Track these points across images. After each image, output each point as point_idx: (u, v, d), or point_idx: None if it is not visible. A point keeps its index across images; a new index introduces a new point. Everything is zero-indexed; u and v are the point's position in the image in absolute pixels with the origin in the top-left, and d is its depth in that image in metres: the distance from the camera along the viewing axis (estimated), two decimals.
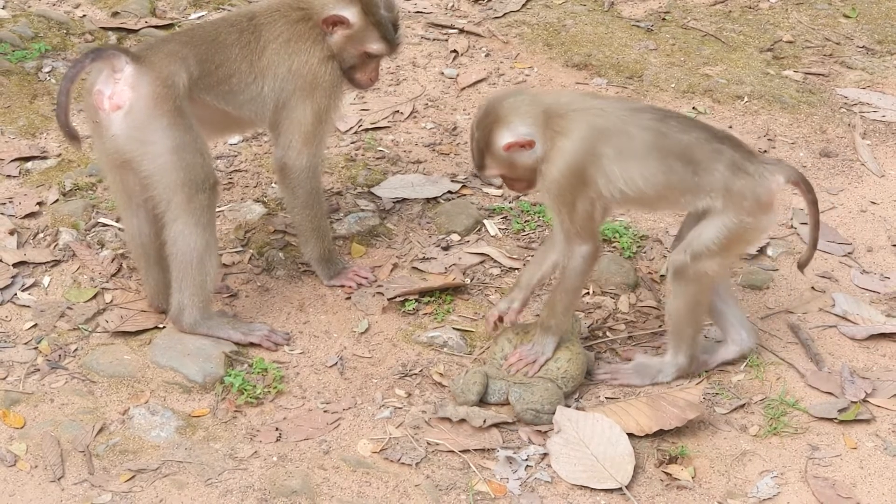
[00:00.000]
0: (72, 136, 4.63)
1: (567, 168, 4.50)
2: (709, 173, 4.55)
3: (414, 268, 5.32)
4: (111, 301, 5.09)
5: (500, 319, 4.87)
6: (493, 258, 5.37)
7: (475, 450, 4.54)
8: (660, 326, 5.08)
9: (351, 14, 4.88)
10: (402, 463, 4.49)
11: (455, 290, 5.20)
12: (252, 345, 4.90)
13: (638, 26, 7.00)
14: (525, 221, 5.55)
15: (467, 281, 5.24)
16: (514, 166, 4.60)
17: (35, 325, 4.97)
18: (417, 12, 7.04)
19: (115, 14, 6.74)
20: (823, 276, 5.33)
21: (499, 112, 4.56)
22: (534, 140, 4.51)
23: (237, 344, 4.88)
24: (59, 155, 5.80)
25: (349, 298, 5.16)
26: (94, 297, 5.10)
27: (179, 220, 4.72)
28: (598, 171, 4.51)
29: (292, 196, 5.04)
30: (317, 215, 5.07)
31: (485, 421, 4.59)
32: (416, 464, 4.48)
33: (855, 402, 4.71)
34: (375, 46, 4.96)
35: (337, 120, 5.11)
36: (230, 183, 5.73)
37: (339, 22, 4.88)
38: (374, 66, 5.06)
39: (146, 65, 4.61)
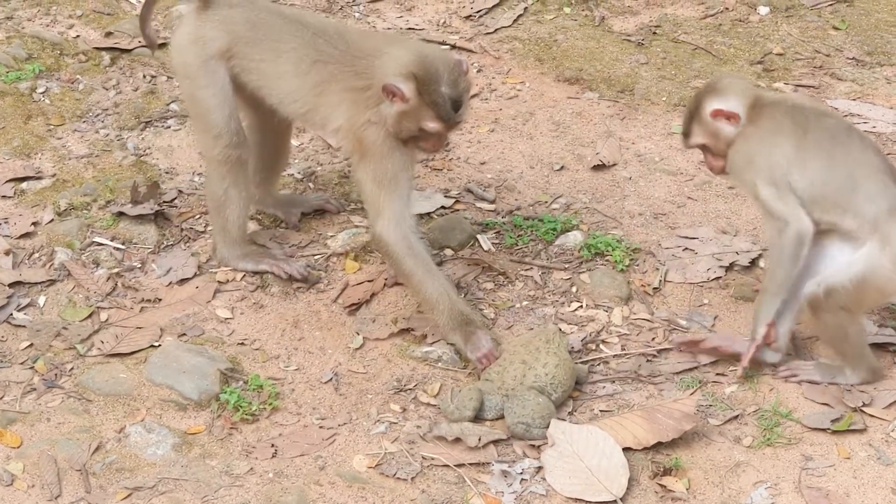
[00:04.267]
0: (150, 41, 5.52)
1: (750, 154, 4.74)
2: (866, 200, 4.63)
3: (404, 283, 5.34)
4: (106, 320, 5.11)
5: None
6: (487, 273, 5.39)
7: (470, 464, 4.55)
8: (653, 339, 5.10)
9: (407, 89, 4.76)
10: (398, 478, 4.51)
11: None
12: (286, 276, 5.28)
13: (629, 40, 7.04)
14: (518, 236, 5.57)
15: (461, 296, 5.26)
16: (718, 136, 4.82)
17: (31, 345, 4.99)
18: (409, 29, 7.07)
19: (108, 34, 6.76)
20: None
21: (717, 85, 4.84)
22: (739, 115, 4.74)
23: (258, 273, 5.30)
24: (54, 175, 5.82)
25: (351, 315, 5.18)
26: (90, 315, 5.12)
27: (206, 164, 5.32)
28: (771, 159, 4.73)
29: (392, 266, 5.07)
30: (421, 287, 4.92)
31: (480, 439, 4.61)
32: (412, 478, 4.50)
33: (846, 413, 4.73)
34: (431, 125, 4.81)
35: (406, 182, 4.93)
36: None
37: (395, 94, 4.77)
38: (435, 139, 4.90)
39: (197, 16, 5.09)
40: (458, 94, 4.78)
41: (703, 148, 4.95)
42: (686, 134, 4.95)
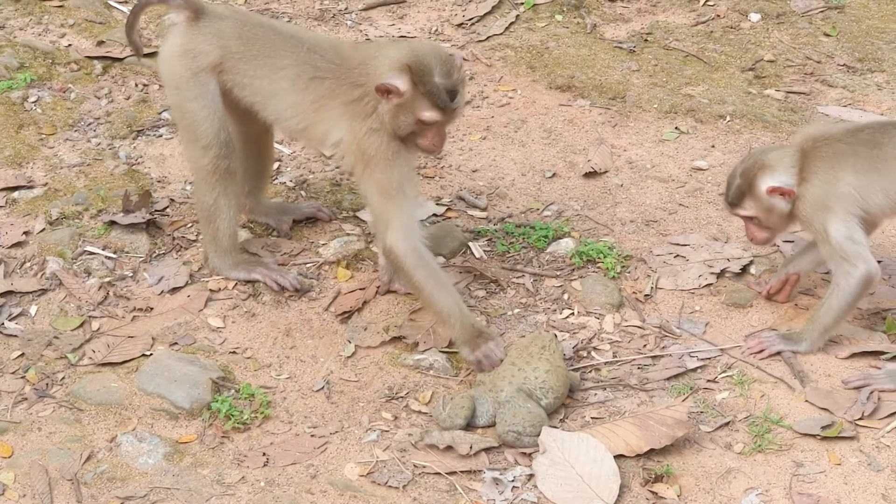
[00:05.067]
0: (136, 48, 5.39)
1: (817, 202, 4.93)
2: None
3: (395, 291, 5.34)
4: (98, 329, 5.11)
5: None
6: (478, 280, 5.40)
7: (462, 472, 4.56)
8: (644, 346, 5.11)
9: (402, 83, 4.77)
10: (390, 486, 4.51)
11: None
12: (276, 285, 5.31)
13: (620, 47, 7.05)
14: (510, 243, 5.58)
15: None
16: (771, 211, 4.97)
17: (22, 355, 4.99)
18: (401, 37, 7.08)
19: (100, 43, 6.77)
20: (806, 293, 5.35)
21: (766, 161, 4.96)
22: (794, 191, 4.90)
23: (251, 282, 5.30)
24: (46, 184, 5.82)
25: (343, 323, 5.18)
26: (81, 325, 5.12)
27: (195, 174, 5.26)
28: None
29: (402, 278, 5.07)
30: (432, 300, 4.91)
31: (471, 447, 4.61)
32: (404, 486, 4.51)
33: (838, 420, 4.74)
34: (427, 114, 4.81)
35: (411, 189, 4.96)
36: None
37: (390, 91, 4.79)
38: (434, 131, 4.90)
39: (188, 28, 5.05)
40: (452, 84, 4.80)
41: (749, 219, 5.06)
42: (734, 204, 5.04)
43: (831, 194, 4.88)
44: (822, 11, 7.38)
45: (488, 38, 7.11)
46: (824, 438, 4.68)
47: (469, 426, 4.71)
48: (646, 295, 5.35)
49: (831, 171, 4.90)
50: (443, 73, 4.79)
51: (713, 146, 6.24)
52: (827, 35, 7.21)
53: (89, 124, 6.23)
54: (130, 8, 5.50)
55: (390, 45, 5.01)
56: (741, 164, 5.06)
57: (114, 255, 5.45)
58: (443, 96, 4.78)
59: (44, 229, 5.56)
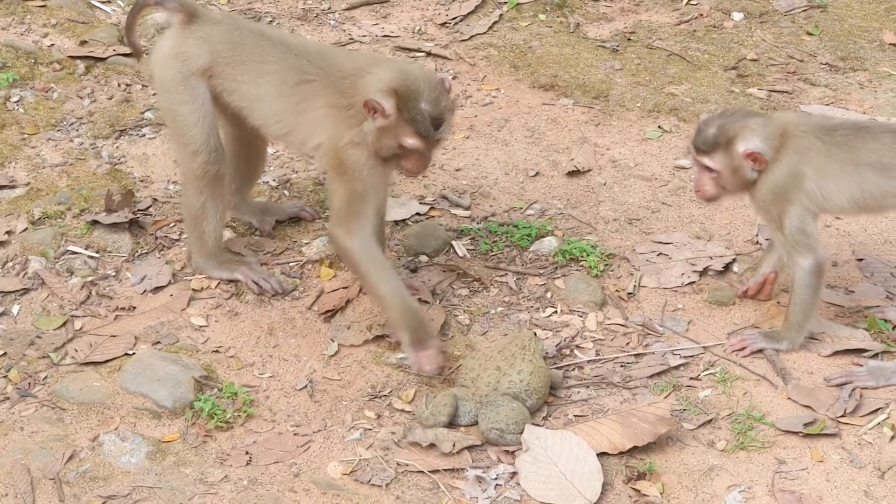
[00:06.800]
0: (135, 49, 5.51)
1: (777, 189, 4.92)
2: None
3: None
4: (80, 328, 5.10)
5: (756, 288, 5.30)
6: (462, 279, 5.40)
7: (445, 470, 4.56)
8: (627, 344, 5.12)
9: (388, 105, 4.76)
10: (373, 484, 4.51)
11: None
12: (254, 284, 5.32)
13: (604, 47, 7.06)
14: (493, 242, 5.58)
15: (436, 302, 5.27)
16: (736, 172, 4.90)
17: (4, 354, 4.98)
18: (385, 36, 7.08)
19: (83, 43, 6.75)
20: (787, 291, 5.36)
21: (750, 124, 4.90)
22: (767, 161, 4.86)
23: (233, 281, 5.31)
24: (28, 184, 5.81)
25: (326, 322, 5.19)
26: (64, 324, 5.11)
27: (183, 177, 5.27)
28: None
29: (348, 266, 5.15)
30: (376, 287, 4.95)
31: (454, 445, 4.61)
32: (387, 485, 4.51)
33: (820, 417, 4.75)
34: (410, 141, 4.80)
35: (376, 200, 5.00)
36: None
37: (376, 109, 4.77)
38: (416, 156, 4.89)
39: (180, 31, 5.06)
40: (438, 112, 4.78)
41: (709, 170, 4.96)
42: (703, 151, 4.93)
43: (795, 188, 4.88)
44: (804, 10, 7.41)
45: (471, 37, 7.12)
46: (807, 436, 4.69)
47: (452, 424, 4.72)
48: (629, 293, 5.36)
49: (801, 166, 4.88)
50: (430, 99, 4.77)
51: None
52: (810, 34, 7.23)
53: (72, 124, 6.22)
54: (114, 8, 5.50)
55: (381, 63, 4.97)
56: (719, 117, 4.96)
57: (96, 255, 5.44)
58: (427, 125, 4.77)
59: (26, 229, 5.55)
